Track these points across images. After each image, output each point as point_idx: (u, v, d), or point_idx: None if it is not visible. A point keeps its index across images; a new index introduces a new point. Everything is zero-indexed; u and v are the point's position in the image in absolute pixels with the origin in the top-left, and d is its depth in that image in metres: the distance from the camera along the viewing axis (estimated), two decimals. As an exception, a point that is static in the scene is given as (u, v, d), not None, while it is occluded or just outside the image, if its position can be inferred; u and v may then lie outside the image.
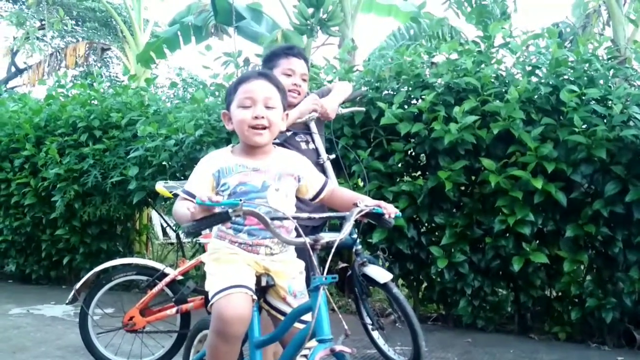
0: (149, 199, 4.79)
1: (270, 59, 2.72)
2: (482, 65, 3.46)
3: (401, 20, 8.46)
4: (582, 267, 3.39)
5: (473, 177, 3.49)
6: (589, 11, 7.57)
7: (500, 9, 7.01)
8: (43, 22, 15.03)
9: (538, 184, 3.06)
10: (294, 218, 1.71)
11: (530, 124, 3.23)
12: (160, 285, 3.01)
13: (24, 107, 5.60)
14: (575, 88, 3.09)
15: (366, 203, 1.80)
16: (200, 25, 8.03)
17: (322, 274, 1.59)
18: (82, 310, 3.07)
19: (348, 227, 1.69)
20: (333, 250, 1.57)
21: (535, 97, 3.31)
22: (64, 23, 13.46)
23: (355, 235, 2.73)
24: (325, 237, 1.63)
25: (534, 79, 3.40)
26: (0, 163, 5.47)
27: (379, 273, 2.67)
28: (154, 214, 6.46)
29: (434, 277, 3.55)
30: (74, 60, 11.66)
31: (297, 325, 1.77)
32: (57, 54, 12.29)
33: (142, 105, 4.96)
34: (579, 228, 3.16)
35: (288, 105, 2.66)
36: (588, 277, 3.39)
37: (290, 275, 1.85)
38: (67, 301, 3.13)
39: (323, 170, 2.74)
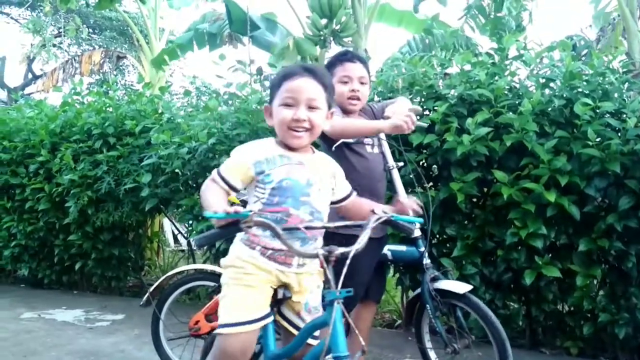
0: (161, 206, 4.82)
1: (327, 69, 2.61)
2: (496, 77, 3.46)
3: (413, 30, 8.49)
4: (595, 281, 3.35)
5: (485, 189, 3.47)
6: (603, 25, 7.54)
7: (516, 21, 7.01)
8: (60, 30, 15.24)
9: (551, 197, 3.04)
10: (324, 227, 1.69)
11: (543, 137, 3.21)
12: None
13: (39, 113, 5.67)
14: (589, 101, 3.08)
15: (384, 210, 1.75)
16: (215, 32, 8.10)
17: (337, 287, 1.51)
18: (154, 314, 3.03)
19: (365, 236, 1.61)
20: (348, 261, 1.49)
21: (549, 109, 3.29)
22: (80, 31, 13.63)
23: (422, 249, 2.63)
24: (339, 248, 1.55)
25: (547, 92, 3.39)
26: (16, 168, 5.54)
27: (456, 285, 2.51)
28: (165, 221, 6.50)
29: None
30: (89, 67, 11.78)
31: (311, 341, 1.73)
32: (73, 61, 12.43)
33: (156, 113, 5.01)
34: (592, 242, 3.13)
35: (348, 113, 2.63)
36: (601, 292, 3.36)
37: (308, 289, 1.79)
38: (140, 303, 3.10)
39: (390, 178, 2.68)
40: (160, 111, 5.02)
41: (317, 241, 1.79)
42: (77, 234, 5.18)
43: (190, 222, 4.64)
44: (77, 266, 5.29)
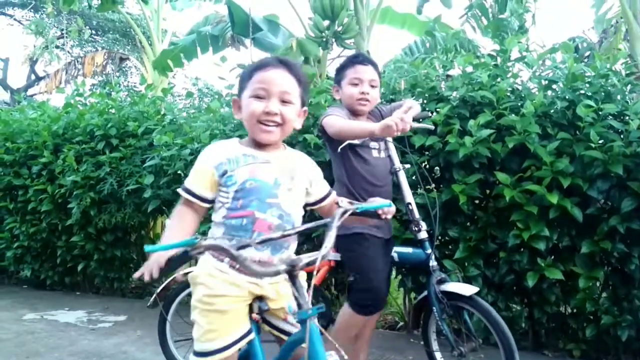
0: (164, 207, 4.82)
1: (338, 72, 2.67)
2: (498, 79, 3.45)
3: (416, 32, 8.50)
4: (597, 284, 3.35)
5: (487, 191, 3.47)
6: (605, 28, 7.54)
7: (519, 22, 7.00)
8: (63, 32, 15.29)
9: (553, 199, 3.03)
10: (283, 236, 1.54)
11: (546, 139, 3.21)
12: None
13: (42, 114, 5.69)
14: (591, 103, 3.07)
15: (349, 201, 1.67)
16: (218, 35, 8.10)
17: (307, 303, 1.40)
18: (161, 315, 3.02)
19: (332, 235, 1.47)
20: (315, 272, 1.35)
21: (552, 111, 3.29)
22: (82, 32, 13.67)
23: (429, 251, 2.61)
24: (303, 258, 1.40)
25: (550, 94, 3.38)
26: (19, 169, 5.55)
27: (463, 287, 2.49)
28: (167, 223, 6.50)
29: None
30: (92, 69, 11.82)
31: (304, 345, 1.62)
32: (76, 62, 12.47)
33: (159, 114, 5.02)
34: (595, 244, 3.13)
35: (357, 114, 2.62)
36: (604, 294, 3.35)
37: (289, 294, 1.60)
38: (148, 304, 3.10)
39: (396, 180, 2.68)
40: (162, 113, 5.03)
41: (290, 248, 1.67)
42: (79, 235, 5.19)
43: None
44: (79, 267, 5.30)
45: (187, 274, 3.03)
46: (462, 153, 3.21)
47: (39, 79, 18.89)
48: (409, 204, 2.68)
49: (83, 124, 5.17)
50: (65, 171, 5.10)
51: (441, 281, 2.55)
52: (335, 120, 2.47)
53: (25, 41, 21.52)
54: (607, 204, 3.23)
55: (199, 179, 1.62)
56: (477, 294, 2.50)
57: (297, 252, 1.65)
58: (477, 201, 3.50)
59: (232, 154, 1.62)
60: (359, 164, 2.56)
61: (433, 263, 2.60)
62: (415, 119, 2.77)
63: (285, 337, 1.71)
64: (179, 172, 4.41)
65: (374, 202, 1.68)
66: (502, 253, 3.32)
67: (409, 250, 2.77)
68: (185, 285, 3.04)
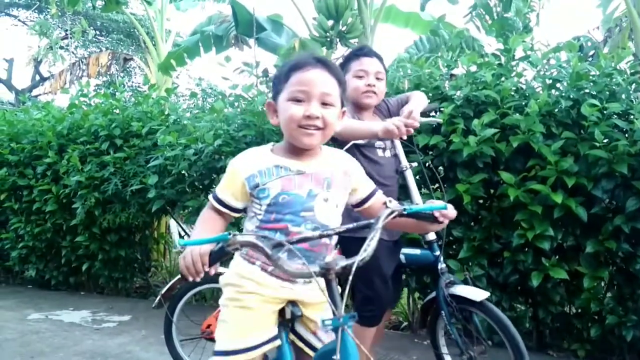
0: (168, 207, 4.83)
1: (343, 66, 2.59)
2: (502, 79, 3.44)
3: (420, 31, 8.49)
4: (602, 283, 3.34)
5: (492, 191, 3.46)
6: (610, 27, 7.51)
7: (523, 21, 6.99)
8: (67, 32, 15.34)
9: (558, 198, 3.02)
10: (320, 236, 1.47)
11: (550, 138, 3.20)
12: None
13: (47, 115, 5.70)
14: (596, 102, 3.06)
15: (400, 202, 1.52)
16: (221, 35, 8.12)
17: (339, 310, 1.29)
18: (167, 317, 3.01)
19: (375, 238, 1.36)
20: (351, 277, 1.25)
21: (556, 110, 3.27)
22: (86, 33, 13.72)
23: (438, 252, 2.56)
24: (340, 261, 1.31)
25: (554, 93, 3.37)
26: (23, 170, 5.56)
27: (473, 291, 2.40)
28: (172, 223, 6.51)
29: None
30: (96, 69, 11.85)
31: None
32: (80, 63, 12.51)
33: (162, 114, 5.03)
34: (600, 244, 3.12)
35: (363, 108, 2.56)
36: (608, 294, 3.34)
37: (324, 305, 1.55)
38: (153, 306, 3.09)
39: (403, 179, 2.62)
40: (166, 113, 5.04)
41: (326, 259, 1.52)
42: (84, 235, 5.20)
43: (197, 223, 4.65)
44: (84, 267, 5.31)
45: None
46: (466, 152, 3.20)
47: (43, 79, 18.97)
48: (417, 204, 2.63)
49: (87, 124, 5.18)
50: (69, 171, 5.11)
51: (450, 284, 2.48)
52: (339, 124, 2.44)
53: (29, 42, 21.64)
54: (611, 203, 3.22)
55: (231, 190, 1.57)
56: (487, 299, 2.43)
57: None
58: (481, 201, 3.49)
59: (264, 165, 1.54)
60: (365, 164, 2.47)
61: (442, 265, 2.54)
62: (424, 112, 2.73)
63: (309, 351, 1.63)
64: (182, 172, 4.41)
65: (429, 204, 1.52)
66: (507, 253, 3.31)
67: (416, 251, 2.72)
68: (191, 286, 3.04)
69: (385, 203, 1.54)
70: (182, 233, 6.42)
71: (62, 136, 5.36)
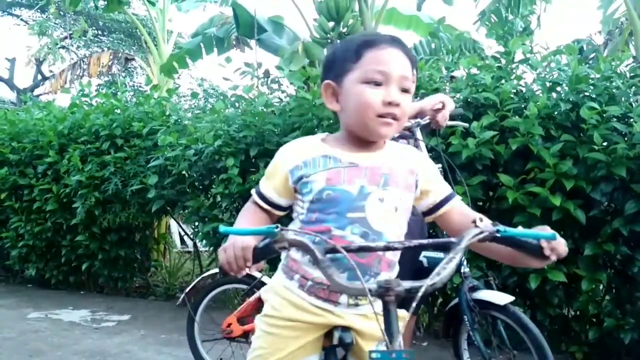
0: (168, 208, 4.84)
1: None
2: (502, 81, 3.45)
3: (421, 33, 8.51)
4: (600, 286, 3.34)
5: (491, 193, 3.47)
6: (610, 29, 7.53)
7: (524, 23, 7.00)
8: (68, 32, 15.38)
9: (556, 201, 3.03)
10: (386, 248, 1.21)
11: (549, 141, 3.21)
12: (258, 293, 2.76)
13: (48, 114, 5.72)
14: (595, 105, 3.07)
15: (493, 222, 1.20)
16: (223, 36, 8.13)
17: (393, 343, 1.02)
18: (189, 316, 2.98)
19: (454, 259, 1.08)
20: (415, 303, 1.01)
21: (555, 113, 3.28)
22: (86, 32, 13.75)
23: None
24: (404, 282, 1.04)
25: (554, 95, 3.38)
26: (24, 169, 5.58)
27: (496, 295, 2.31)
28: (172, 223, 6.53)
29: (448, 292, 3.52)
30: (97, 69, 11.87)
31: None
32: (81, 62, 12.53)
33: (163, 115, 5.04)
34: (598, 247, 3.12)
35: None
36: (607, 297, 3.34)
37: (379, 336, 1.22)
38: (177, 303, 3.06)
39: None
40: (167, 113, 5.05)
41: (378, 277, 1.29)
42: (84, 235, 5.21)
43: (197, 223, 4.67)
44: (84, 267, 5.32)
45: (209, 276, 3.05)
46: (465, 154, 3.21)
47: (45, 79, 18.99)
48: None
49: (88, 124, 5.20)
50: (70, 171, 5.12)
51: (473, 289, 2.37)
52: None
53: (29, 42, 21.67)
54: (610, 206, 3.22)
55: (273, 184, 1.36)
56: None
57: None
58: (480, 203, 3.50)
59: (310, 155, 1.32)
60: None
61: (465, 269, 2.43)
62: (450, 115, 2.64)
63: None
64: (183, 172, 4.43)
65: (534, 230, 1.18)
66: (505, 255, 3.31)
67: (439, 255, 2.57)
68: (214, 284, 3.01)
69: (474, 221, 1.18)
70: (182, 233, 6.44)
71: (63, 136, 5.37)
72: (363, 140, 1.32)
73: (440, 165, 2.52)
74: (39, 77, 19.66)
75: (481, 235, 1.14)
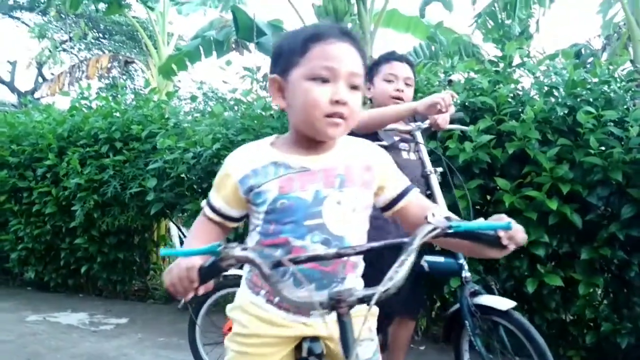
0: (166, 210, 4.85)
1: (372, 69, 2.52)
2: (499, 85, 3.46)
3: (420, 36, 8.52)
4: (598, 290, 3.34)
5: (488, 197, 3.47)
6: (608, 33, 7.54)
7: (521, 27, 7.01)
8: (68, 35, 15.42)
9: (553, 205, 3.04)
10: (338, 255, 1.13)
11: (546, 145, 3.21)
12: None
13: (47, 117, 5.73)
14: (592, 109, 3.07)
15: (448, 216, 1.16)
16: (222, 40, 8.16)
17: (352, 355, 1.00)
18: (191, 319, 2.97)
19: (406, 262, 1.03)
20: (369, 311, 0.97)
21: (552, 117, 3.29)
22: (86, 34, 13.79)
23: (461, 260, 2.43)
24: (356, 291, 1.01)
25: (551, 100, 3.39)
26: (23, 172, 5.59)
27: (498, 301, 2.29)
28: (172, 226, 6.54)
29: (447, 296, 3.53)
30: (96, 71, 11.89)
31: None
32: (80, 65, 12.56)
33: (162, 118, 5.05)
34: (595, 251, 3.12)
35: None
36: (604, 301, 3.34)
37: (362, 342, 1.26)
38: (178, 307, 3.05)
39: (427, 184, 2.49)
40: (166, 116, 5.06)
41: (346, 283, 1.25)
42: (83, 238, 5.22)
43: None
44: (82, 269, 5.32)
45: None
46: (462, 158, 3.21)
47: (46, 81, 19.03)
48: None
49: (87, 127, 5.21)
50: (69, 174, 5.13)
51: (474, 293, 2.35)
52: (362, 113, 2.29)
53: (29, 44, 21.71)
54: (606, 210, 3.22)
55: (222, 195, 1.29)
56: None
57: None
58: (477, 207, 3.50)
59: (259, 162, 1.24)
60: None
61: (466, 274, 2.41)
62: (450, 119, 2.64)
63: None
64: (181, 175, 4.43)
65: (490, 221, 1.13)
66: (502, 259, 3.32)
67: (440, 259, 2.57)
68: (215, 288, 2.96)
69: (426, 217, 1.12)
70: (182, 236, 6.43)
71: (62, 139, 5.38)
72: (313, 141, 1.25)
73: (440, 169, 2.53)
74: (40, 79, 19.70)
75: (434, 232, 1.10)
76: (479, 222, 1.13)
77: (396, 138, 2.42)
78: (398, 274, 1.00)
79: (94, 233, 5.17)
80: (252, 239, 1.29)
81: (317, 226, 1.21)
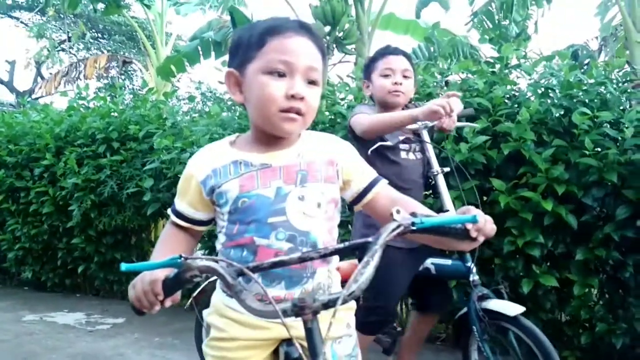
0: (163, 211, 4.85)
1: (368, 66, 2.51)
2: (495, 86, 3.47)
3: (418, 38, 8.54)
4: (593, 291, 3.35)
5: (484, 198, 3.48)
6: (605, 35, 7.56)
7: (519, 28, 7.02)
8: (66, 34, 15.42)
9: (548, 205, 3.04)
10: (300, 260, 1.11)
11: (541, 146, 3.22)
12: None
13: (45, 117, 5.73)
14: (587, 111, 3.08)
15: (417, 211, 1.10)
16: (220, 40, 8.18)
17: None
18: (197, 320, 2.97)
19: (371, 263, 0.99)
20: (334, 315, 0.93)
21: (547, 118, 3.30)
22: (84, 34, 13.80)
23: (469, 263, 2.38)
24: (320, 296, 0.97)
25: (547, 101, 3.39)
26: (21, 172, 5.59)
27: (507, 306, 2.24)
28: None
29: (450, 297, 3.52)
30: (94, 71, 11.89)
31: None
32: (78, 65, 12.56)
33: (160, 118, 5.06)
34: (590, 251, 3.13)
35: (390, 107, 2.39)
36: (600, 302, 3.35)
37: (331, 336, 1.10)
38: (185, 307, 3.07)
39: (434, 185, 2.47)
40: (164, 116, 5.07)
41: (315, 277, 1.24)
42: (80, 238, 5.22)
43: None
44: (79, 269, 5.32)
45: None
46: (457, 159, 3.21)
47: (43, 81, 19.02)
48: (448, 211, 2.43)
49: (85, 127, 5.21)
50: (66, 174, 5.13)
51: (483, 298, 2.30)
52: (364, 118, 2.32)
53: (27, 44, 21.73)
54: (602, 211, 3.23)
55: (187, 199, 1.27)
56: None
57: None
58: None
59: (220, 162, 1.23)
60: (386, 167, 2.36)
61: (474, 277, 2.37)
62: (458, 116, 2.58)
63: None
64: (178, 175, 4.42)
65: (457, 214, 1.11)
66: (497, 259, 3.33)
67: (447, 262, 2.53)
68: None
69: (391, 214, 1.07)
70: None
71: (59, 138, 5.38)
72: (273, 137, 1.23)
73: (447, 168, 2.52)
74: (39, 79, 19.70)
75: (399, 230, 1.06)
76: (445, 217, 1.11)
77: (401, 137, 2.42)
78: (363, 275, 0.97)
79: (91, 233, 5.17)
80: (219, 242, 1.28)
81: (281, 223, 1.19)
